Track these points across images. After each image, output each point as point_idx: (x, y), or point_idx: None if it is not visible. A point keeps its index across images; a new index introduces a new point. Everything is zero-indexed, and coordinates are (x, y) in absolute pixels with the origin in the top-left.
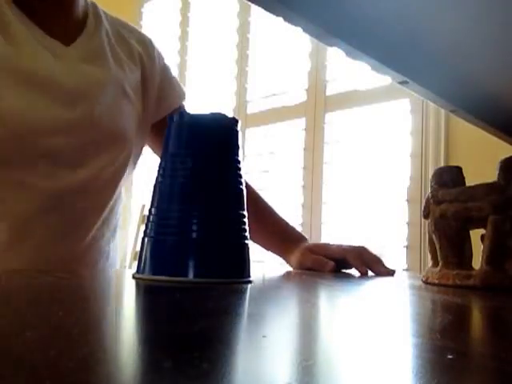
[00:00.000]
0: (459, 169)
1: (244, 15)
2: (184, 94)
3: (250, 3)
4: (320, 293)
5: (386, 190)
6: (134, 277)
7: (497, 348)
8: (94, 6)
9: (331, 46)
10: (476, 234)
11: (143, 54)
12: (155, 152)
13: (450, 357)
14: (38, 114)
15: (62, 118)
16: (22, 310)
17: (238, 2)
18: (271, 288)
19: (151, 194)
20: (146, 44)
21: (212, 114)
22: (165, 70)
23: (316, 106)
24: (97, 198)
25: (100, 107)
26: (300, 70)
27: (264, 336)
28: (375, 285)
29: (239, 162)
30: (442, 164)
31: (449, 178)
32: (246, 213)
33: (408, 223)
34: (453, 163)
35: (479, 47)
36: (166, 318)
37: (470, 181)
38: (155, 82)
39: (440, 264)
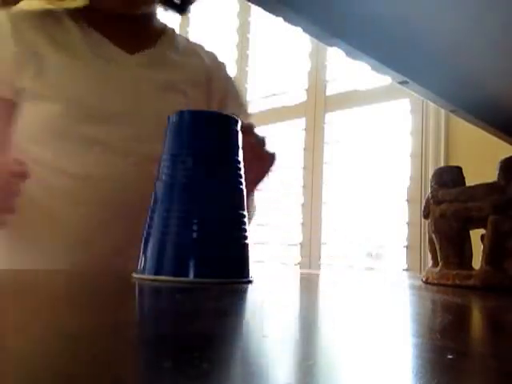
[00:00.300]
0: (459, 169)
1: (244, 15)
2: (244, 111)
3: (250, 3)
4: (320, 292)
5: (386, 189)
6: (133, 277)
7: (497, 348)
8: (172, 31)
9: (331, 46)
10: (476, 234)
11: (211, 65)
12: None
13: (449, 357)
14: (94, 101)
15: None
16: (15, 307)
17: (238, 2)
18: (271, 288)
19: (152, 193)
20: (215, 58)
21: (212, 113)
22: (229, 84)
23: (316, 106)
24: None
25: (150, 103)
26: (300, 70)
27: (264, 336)
28: (375, 285)
29: (239, 162)
30: (441, 164)
31: (449, 177)
32: (246, 213)
33: (408, 223)
34: (453, 163)
35: (479, 47)
36: (166, 318)
37: (470, 181)
38: (218, 93)
39: (440, 264)
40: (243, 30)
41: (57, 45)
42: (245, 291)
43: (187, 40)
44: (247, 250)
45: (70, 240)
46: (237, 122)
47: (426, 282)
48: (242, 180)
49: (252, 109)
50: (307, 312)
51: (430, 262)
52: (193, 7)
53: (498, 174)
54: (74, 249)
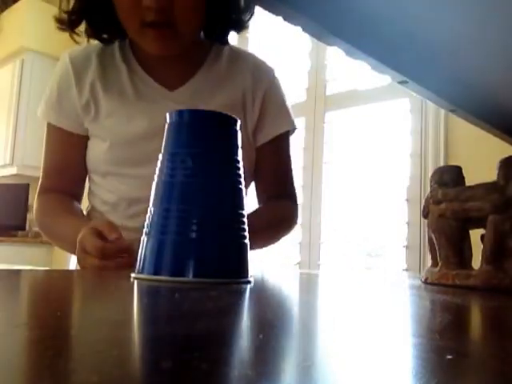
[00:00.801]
0: (459, 168)
1: None
2: (289, 125)
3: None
4: (319, 293)
5: (386, 189)
6: (132, 276)
7: (497, 348)
8: (216, 48)
9: (331, 45)
10: (476, 234)
11: (252, 81)
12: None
13: (449, 357)
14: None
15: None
16: (15, 307)
17: None
18: (270, 288)
19: (151, 193)
20: (260, 72)
21: (212, 112)
22: (271, 99)
23: (316, 106)
24: None
25: None
26: (300, 70)
27: (263, 336)
28: (375, 285)
29: (239, 162)
30: (441, 164)
31: (449, 177)
32: (245, 212)
33: (407, 223)
34: (452, 163)
35: (479, 47)
36: (164, 318)
37: (470, 181)
38: (254, 113)
39: (440, 264)
40: None
41: (108, 87)
42: (244, 291)
43: (232, 52)
44: (246, 250)
45: None
46: (236, 121)
47: (426, 282)
48: (242, 179)
49: None
50: (306, 312)
51: (429, 262)
52: None
53: (498, 174)
54: None
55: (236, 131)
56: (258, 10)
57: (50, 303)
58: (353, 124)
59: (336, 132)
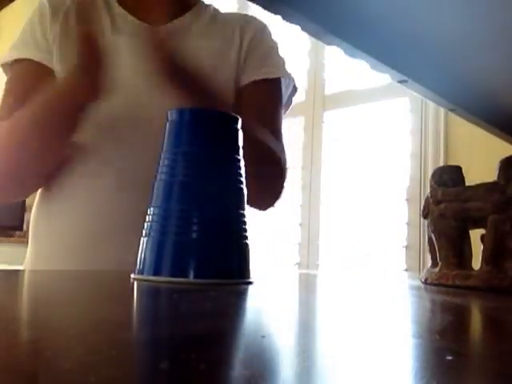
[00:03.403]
0: (459, 168)
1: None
2: (279, 72)
3: (248, 2)
4: (319, 293)
5: (386, 189)
6: (132, 277)
7: (497, 349)
8: (205, 5)
9: (330, 44)
10: (476, 234)
11: (240, 29)
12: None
13: (449, 358)
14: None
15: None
16: (15, 307)
17: (236, 1)
18: (271, 289)
19: (151, 192)
20: (247, 22)
21: (212, 111)
22: (258, 43)
23: (314, 105)
24: None
25: None
26: (299, 69)
27: (263, 336)
28: (374, 285)
29: (239, 161)
30: (441, 164)
31: (448, 177)
32: (246, 212)
33: (407, 223)
34: (452, 163)
35: (479, 46)
36: (162, 319)
37: (470, 181)
38: (243, 53)
39: (439, 264)
40: None
41: (82, 20)
42: (245, 292)
43: (218, 11)
44: (247, 251)
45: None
46: (237, 120)
47: (426, 283)
48: (243, 179)
49: None
50: (306, 313)
51: (429, 262)
52: None
53: (498, 174)
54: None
55: (237, 130)
56: (257, 9)
57: (49, 304)
58: (352, 124)
59: (335, 132)
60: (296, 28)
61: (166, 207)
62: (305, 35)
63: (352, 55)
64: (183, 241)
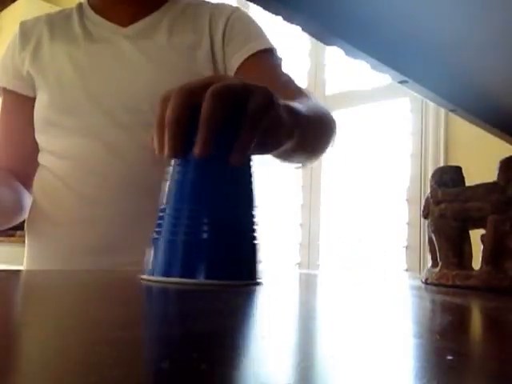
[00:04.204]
0: (459, 169)
1: None
2: (264, 44)
3: (248, 2)
4: (321, 294)
5: (386, 189)
6: (142, 278)
7: (497, 349)
8: (176, 1)
9: (331, 45)
10: (476, 234)
11: (212, 21)
12: None
13: (449, 358)
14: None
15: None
16: (17, 307)
17: (236, 1)
18: (279, 289)
19: (162, 193)
20: (218, 9)
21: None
22: (234, 24)
23: None
24: None
25: (140, 73)
26: (299, 70)
27: (263, 337)
28: (375, 285)
29: (250, 164)
30: (441, 164)
31: (448, 177)
32: (256, 213)
33: (408, 223)
34: (452, 163)
35: (479, 46)
36: (169, 319)
37: (470, 181)
38: (219, 37)
39: (440, 264)
40: None
41: (54, 36)
42: (253, 293)
43: (190, 1)
44: (257, 252)
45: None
46: None
47: (426, 283)
48: (253, 180)
49: None
50: (306, 313)
51: (429, 263)
52: None
53: (498, 174)
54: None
55: None
56: (257, 9)
57: (49, 304)
58: (352, 124)
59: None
60: (296, 28)
61: (177, 207)
62: (305, 36)
63: (352, 56)
64: (193, 242)
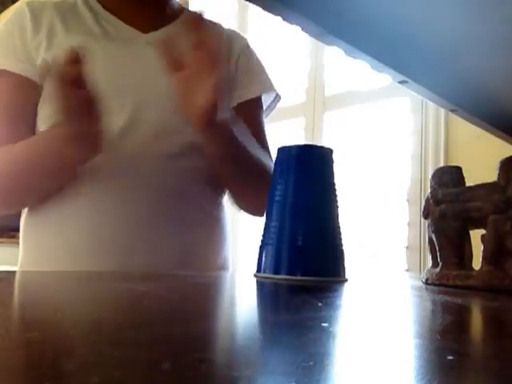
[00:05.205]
0: (459, 169)
1: (243, 14)
2: (263, 87)
3: (248, 2)
4: (321, 294)
5: (386, 190)
6: (254, 275)
7: (497, 349)
8: (190, 12)
9: (330, 45)
10: (476, 234)
11: (229, 43)
12: None
13: (450, 358)
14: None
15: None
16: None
17: (236, 1)
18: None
19: (267, 209)
20: (233, 36)
21: (312, 146)
22: (244, 61)
23: (315, 106)
24: None
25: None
26: (299, 70)
27: (262, 337)
28: (375, 285)
29: (335, 185)
30: (441, 164)
31: (449, 178)
32: (340, 224)
33: (408, 224)
34: (452, 163)
35: (479, 46)
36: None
37: (470, 181)
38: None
39: (440, 264)
40: (242, 29)
41: (70, 27)
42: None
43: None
44: (344, 255)
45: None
46: (332, 151)
47: (426, 283)
48: (337, 198)
49: None
50: (307, 313)
51: (430, 263)
52: (191, 7)
53: (498, 174)
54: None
55: (332, 161)
56: (257, 9)
57: (49, 304)
58: (352, 125)
59: (335, 133)
60: (296, 29)
61: (280, 221)
62: (305, 36)
63: (352, 56)
64: (292, 246)
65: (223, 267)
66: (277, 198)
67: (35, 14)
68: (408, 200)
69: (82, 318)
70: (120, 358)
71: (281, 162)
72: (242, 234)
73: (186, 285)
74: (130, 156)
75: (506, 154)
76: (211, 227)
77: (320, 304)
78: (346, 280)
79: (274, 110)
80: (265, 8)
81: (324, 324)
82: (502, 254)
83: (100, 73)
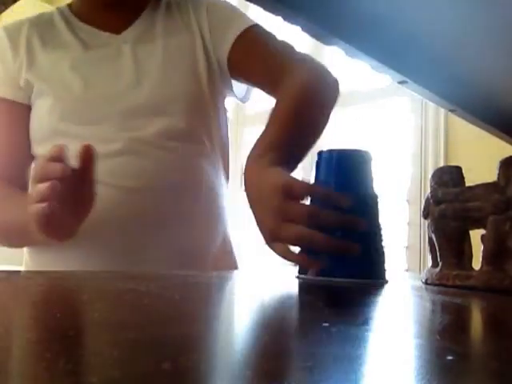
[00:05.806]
0: (459, 169)
1: None
2: (246, 23)
3: (248, 3)
4: (321, 294)
5: (386, 190)
6: (296, 277)
7: (497, 349)
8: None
9: (330, 45)
10: (476, 234)
11: (196, 15)
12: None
13: (450, 358)
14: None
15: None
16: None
17: (237, 1)
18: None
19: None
20: (199, 2)
21: (352, 150)
22: (213, 12)
23: None
24: None
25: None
26: None
27: (262, 337)
28: (375, 286)
29: (374, 189)
30: (441, 164)
31: (449, 177)
32: (382, 227)
33: (408, 223)
34: (452, 163)
35: (479, 47)
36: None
37: (470, 181)
38: (207, 30)
39: (440, 264)
40: None
41: (46, 42)
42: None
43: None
44: (384, 257)
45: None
46: (369, 156)
47: (426, 283)
48: (377, 201)
49: (250, 109)
50: (306, 312)
51: (429, 263)
52: None
53: (498, 175)
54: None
55: (370, 165)
56: (257, 10)
57: (49, 305)
58: (352, 124)
59: (335, 133)
60: (296, 29)
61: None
62: (305, 36)
63: (352, 56)
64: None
65: (233, 266)
66: (318, 202)
67: (12, 37)
68: (408, 200)
69: (82, 318)
70: (120, 358)
71: (321, 166)
72: (243, 234)
73: (186, 285)
74: (129, 157)
75: (506, 154)
76: (211, 225)
77: (321, 304)
78: (387, 281)
79: None
80: (265, 8)
81: (324, 324)
82: (501, 254)
83: (80, 85)
